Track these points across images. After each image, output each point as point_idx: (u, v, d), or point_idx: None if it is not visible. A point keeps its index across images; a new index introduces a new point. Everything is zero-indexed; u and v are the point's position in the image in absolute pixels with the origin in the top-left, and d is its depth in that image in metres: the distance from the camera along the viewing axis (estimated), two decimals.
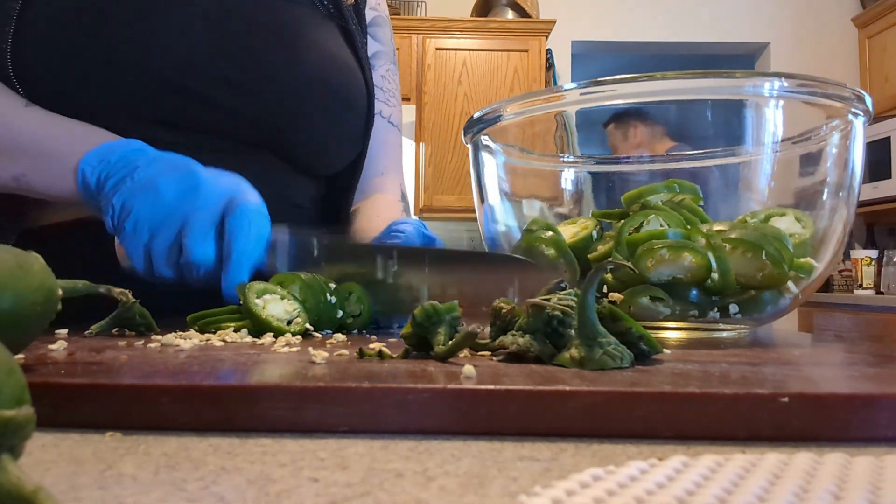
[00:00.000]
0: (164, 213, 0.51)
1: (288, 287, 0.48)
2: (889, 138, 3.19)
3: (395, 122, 0.92)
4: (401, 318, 0.54)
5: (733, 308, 0.45)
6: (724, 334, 0.48)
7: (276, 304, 0.46)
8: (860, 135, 0.48)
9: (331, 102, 0.75)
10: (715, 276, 0.44)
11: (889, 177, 3.19)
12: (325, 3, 0.80)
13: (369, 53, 0.88)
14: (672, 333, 0.47)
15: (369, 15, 0.89)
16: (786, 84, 0.44)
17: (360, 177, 0.84)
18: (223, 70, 0.67)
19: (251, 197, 0.53)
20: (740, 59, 4.06)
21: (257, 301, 0.46)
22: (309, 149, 0.75)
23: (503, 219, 0.55)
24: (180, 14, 0.66)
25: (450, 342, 0.33)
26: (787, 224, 0.46)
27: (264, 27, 0.71)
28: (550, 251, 0.49)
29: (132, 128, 0.64)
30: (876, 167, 3.25)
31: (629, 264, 0.35)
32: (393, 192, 0.89)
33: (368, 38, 0.88)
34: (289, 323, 0.46)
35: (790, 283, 0.46)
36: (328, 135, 0.76)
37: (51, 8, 0.62)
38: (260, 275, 0.52)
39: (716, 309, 0.46)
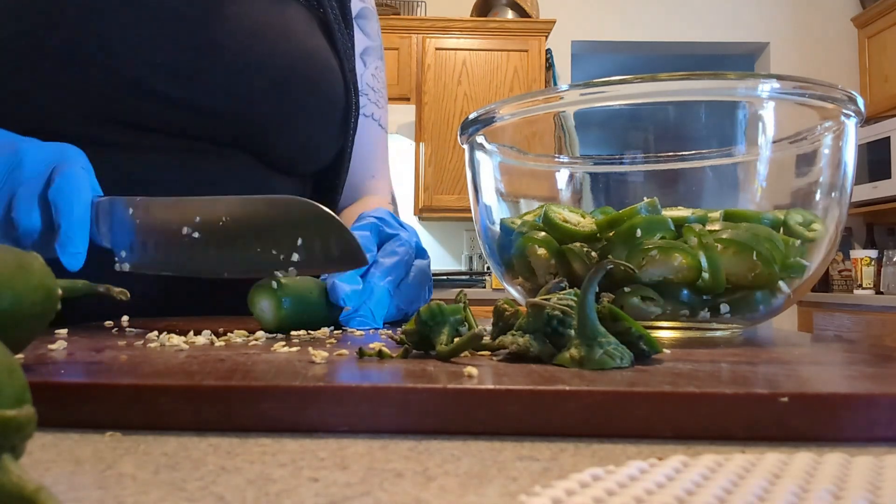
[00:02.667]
0: None
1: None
2: (889, 138, 3.19)
3: (384, 124, 0.91)
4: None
5: (724, 308, 0.46)
6: (718, 334, 0.48)
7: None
8: (853, 136, 0.48)
9: (304, 97, 0.72)
10: (706, 275, 0.44)
11: (889, 177, 3.19)
12: None
13: (359, 49, 0.85)
14: (665, 333, 0.47)
15: (356, 7, 0.87)
16: (778, 86, 0.44)
17: (349, 177, 0.83)
18: (181, 64, 0.64)
19: (74, 166, 0.51)
20: (740, 59, 4.06)
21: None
22: (284, 146, 0.72)
23: (499, 219, 0.55)
24: (139, 8, 0.64)
25: (453, 342, 0.33)
26: (802, 216, 0.47)
27: (232, 19, 0.68)
28: (542, 251, 0.49)
29: (97, 131, 0.62)
30: (876, 167, 3.25)
31: (630, 265, 0.35)
32: (384, 193, 0.88)
33: (357, 31, 0.86)
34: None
35: (782, 283, 0.46)
36: (303, 130, 0.73)
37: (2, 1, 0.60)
38: (92, 244, 0.50)
39: (706, 309, 0.46)
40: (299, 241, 0.47)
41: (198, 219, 0.49)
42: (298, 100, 0.72)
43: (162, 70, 0.63)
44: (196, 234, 0.49)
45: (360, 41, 0.87)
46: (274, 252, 0.47)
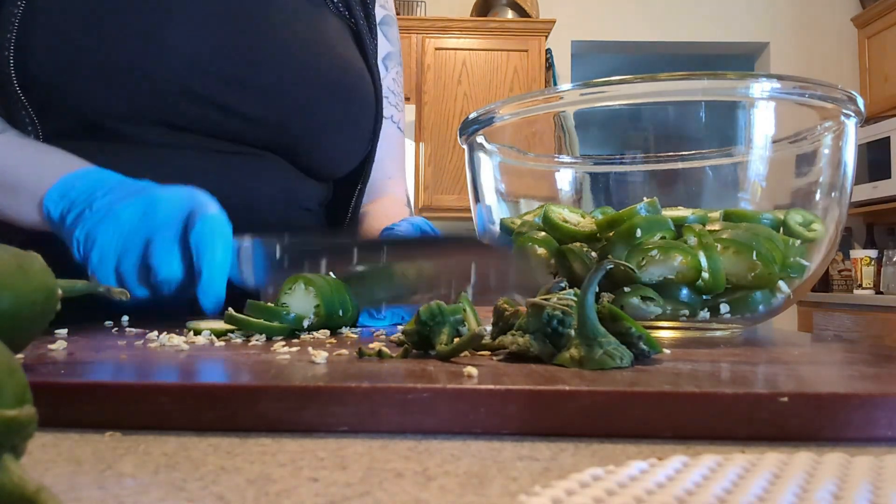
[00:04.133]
0: (127, 237, 0.51)
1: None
2: (889, 138, 3.19)
3: (402, 126, 0.92)
4: (382, 306, 0.54)
5: (724, 308, 0.46)
6: (717, 333, 0.48)
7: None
8: (852, 135, 0.48)
9: (341, 106, 0.75)
10: (706, 275, 0.44)
11: (889, 177, 3.19)
12: (337, 3, 0.80)
13: (381, 55, 0.87)
14: (665, 333, 0.47)
15: (379, 14, 0.89)
16: (779, 85, 0.44)
17: (369, 179, 0.84)
18: (232, 72, 0.66)
19: (210, 208, 0.52)
20: (740, 59, 4.06)
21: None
22: (318, 152, 0.74)
23: (499, 219, 0.55)
24: (187, 14, 0.66)
25: (453, 342, 0.33)
26: (802, 216, 0.47)
27: (276, 28, 0.70)
28: (542, 251, 0.49)
29: (138, 131, 0.64)
30: (876, 167, 3.25)
31: (630, 266, 0.35)
32: (400, 194, 0.89)
33: (380, 37, 0.88)
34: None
35: (781, 283, 0.46)
36: (337, 138, 0.76)
37: (53, 13, 0.61)
38: (231, 285, 0.51)
39: (706, 309, 0.46)
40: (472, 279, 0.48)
41: (351, 266, 0.51)
42: (336, 110, 0.74)
43: (213, 77, 0.65)
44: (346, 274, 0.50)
45: (382, 47, 0.89)
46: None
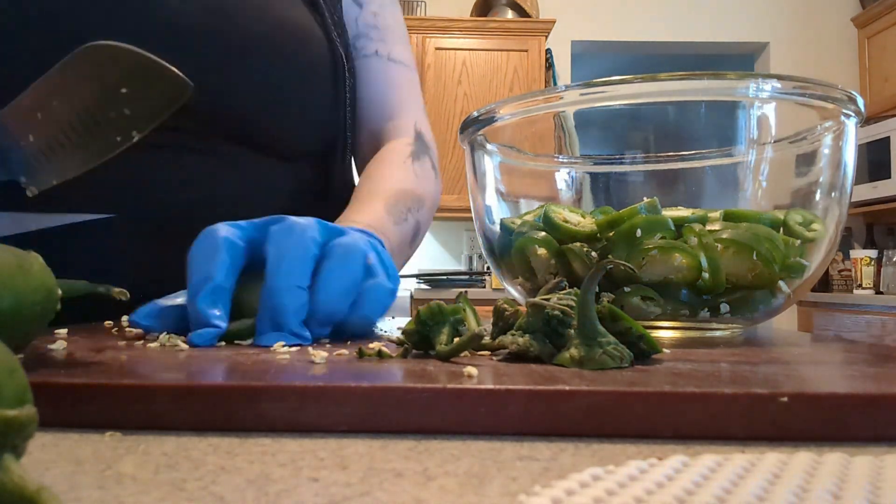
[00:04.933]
0: None
1: None
2: (889, 138, 3.19)
3: (398, 57, 0.82)
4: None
5: (724, 307, 0.46)
6: (718, 333, 0.48)
7: None
8: (852, 135, 0.48)
9: (282, 73, 0.68)
10: (706, 275, 0.44)
11: (889, 177, 3.19)
12: None
13: None
14: (665, 333, 0.47)
15: None
16: (779, 85, 0.44)
17: (367, 126, 0.78)
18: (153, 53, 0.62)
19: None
20: (740, 59, 4.06)
21: None
22: (265, 127, 0.68)
23: (499, 219, 0.55)
24: (101, 10, 0.60)
25: (453, 342, 0.33)
26: (802, 216, 0.47)
27: (191, 6, 0.64)
28: (542, 251, 0.49)
29: None
30: (875, 167, 3.25)
31: (630, 265, 0.35)
32: (405, 133, 0.79)
33: None
34: None
35: (782, 283, 0.46)
36: (284, 109, 0.69)
37: None
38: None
39: (706, 308, 0.46)
40: (123, 90, 0.42)
41: (39, 115, 0.44)
42: (277, 78, 0.67)
43: None
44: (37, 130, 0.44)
45: None
46: (110, 115, 0.43)
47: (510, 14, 3.45)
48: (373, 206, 0.65)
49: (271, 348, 0.37)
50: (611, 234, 0.47)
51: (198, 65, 0.62)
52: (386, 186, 0.70)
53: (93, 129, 0.44)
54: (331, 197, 0.77)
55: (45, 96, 0.44)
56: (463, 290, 0.43)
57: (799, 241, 0.46)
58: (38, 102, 0.44)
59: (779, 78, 0.44)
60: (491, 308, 0.38)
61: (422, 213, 0.72)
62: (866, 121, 3.21)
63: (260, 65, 0.66)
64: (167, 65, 0.42)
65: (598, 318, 0.32)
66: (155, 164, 0.64)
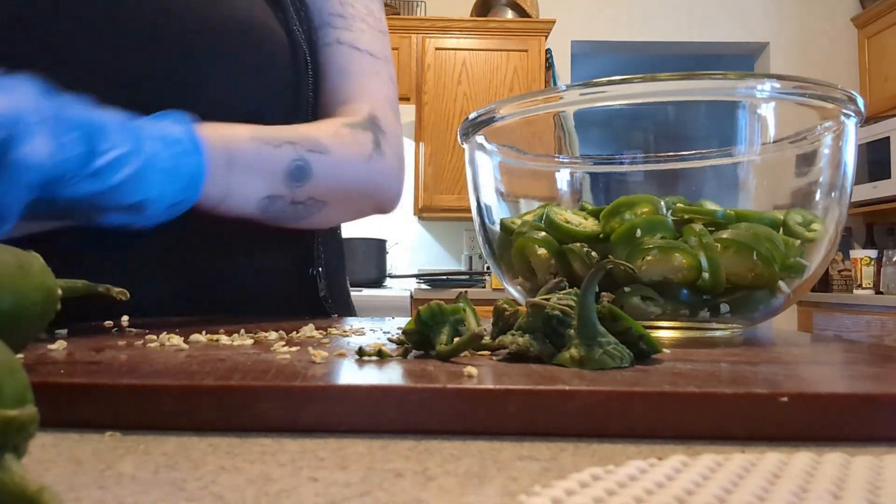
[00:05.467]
0: None
1: None
2: (889, 138, 3.19)
3: (364, 46, 0.78)
4: None
5: (724, 307, 0.46)
6: (718, 333, 0.48)
7: None
8: (852, 135, 0.48)
9: (235, 73, 0.66)
10: (706, 275, 0.44)
11: (889, 177, 3.19)
12: None
13: None
14: (665, 333, 0.47)
15: None
16: (779, 85, 0.44)
17: (320, 111, 0.75)
18: (92, 60, 0.60)
19: None
20: (740, 59, 4.06)
21: None
22: (218, 118, 0.63)
23: (499, 219, 0.55)
24: (49, 7, 0.59)
25: (453, 342, 0.33)
26: (802, 216, 0.47)
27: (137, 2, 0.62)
28: (542, 251, 0.49)
29: None
30: (875, 167, 3.25)
31: (630, 266, 0.35)
32: (355, 114, 0.74)
33: None
34: None
35: (782, 283, 0.46)
36: (238, 109, 0.65)
37: None
38: None
39: (706, 309, 0.46)
40: None
41: None
42: (225, 75, 0.65)
43: (73, 69, 0.59)
44: None
45: None
46: None
47: (510, 14, 3.45)
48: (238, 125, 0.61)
49: (271, 348, 0.37)
50: (613, 224, 0.47)
51: (147, 64, 0.61)
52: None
53: None
54: None
55: None
56: (463, 290, 0.44)
57: (799, 241, 0.46)
58: None
59: (779, 78, 0.44)
60: (491, 308, 0.38)
61: (315, 157, 0.64)
62: (866, 121, 3.22)
63: (211, 64, 0.64)
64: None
65: (598, 318, 0.32)
66: None
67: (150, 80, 0.62)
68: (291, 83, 0.71)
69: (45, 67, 0.56)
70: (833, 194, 0.48)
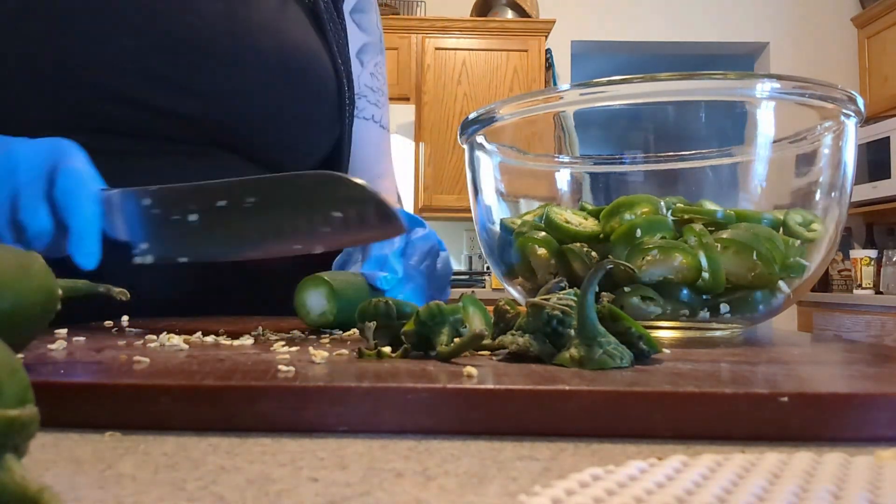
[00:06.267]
0: None
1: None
2: (888, 138, 3.19)
3: (385, 124, 0.88)
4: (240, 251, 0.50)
5: (724, 307, 0.46)
6: (717, 333, 0.48)
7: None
8: (852, 135, 0.48)
9: (290, 94, 0.70)
10: (706, 275, 0.44)
11: (888, 177, 3.19)
12: None
13: (356, 47, 0.83)
14: (665, 333, 0.47)
15: (349, 1, 0.84)
16: (779, 85, 0.44)
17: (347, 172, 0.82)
18: (156, 69, 0.63)
19: (75, 160, 0.49)
20: (740, 58, 4.06)
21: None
22: (268, 144, 0.70)
23: (499, 219, 0.55)
24: (109, 12, 0.62)
25: (453, 342, 0.33)
26: (802, 216, 0.47)
27: (206, 20, 0.66)
28: (542, 251, 0.49)
29: (82, 140, 0.59)
30: (875, 167, 3.25)
31: (630, 265, 0.35)
32: (390, 193, 0.87)
33: (353, 26, 0.83)
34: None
35: (781, 283, 0.46)
36: (290, 130, 0.71)
37: None
38: (107, 240, 0.49)
39: (706, 309, 0.46)
40: (335, 214, 0.45)
41: (221, 202, 0.47)
42: (283, 97, 0.70)
43: (138, 76, 0.62)
44: (218, 215, 0.47)
45: (356, 38, 0.84)
46: (304, 223, 0.45)
47: (510, 14, 3.45)
48: None
49: (271, 349, 0.37)
50: (612, 224, 0.47)
51: (201, 81, 0.65)
52: None
53: (276, 234, 0.46)
54: None
55: (238, 191, 0.47)
56: (469, 290, 0.44)
57: (799, 241, 0.46)
58: (230, 193, 0.47)
59: (779, 78, 0.44)
60: (491, 308, 0.38)
61: None
62: (866, 121, 3.21)
63: (268, 85, 0.68)
64: (392, 206, 0.45)
65: (598, 318, 0.32)
66: (148, 170, 0.64)
67: (206, 95, 0.66)
68: (336, 106, 0.77)
69: (106, 103, 0.61)
70: (833, 194, 0.48)
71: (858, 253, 3.43)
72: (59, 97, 0.61)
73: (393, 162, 0.92)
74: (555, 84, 3.38)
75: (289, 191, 0.46)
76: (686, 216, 0.46)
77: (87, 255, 0.47)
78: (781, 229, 0.47)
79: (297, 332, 0.47)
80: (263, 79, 0.68)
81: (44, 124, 0.60)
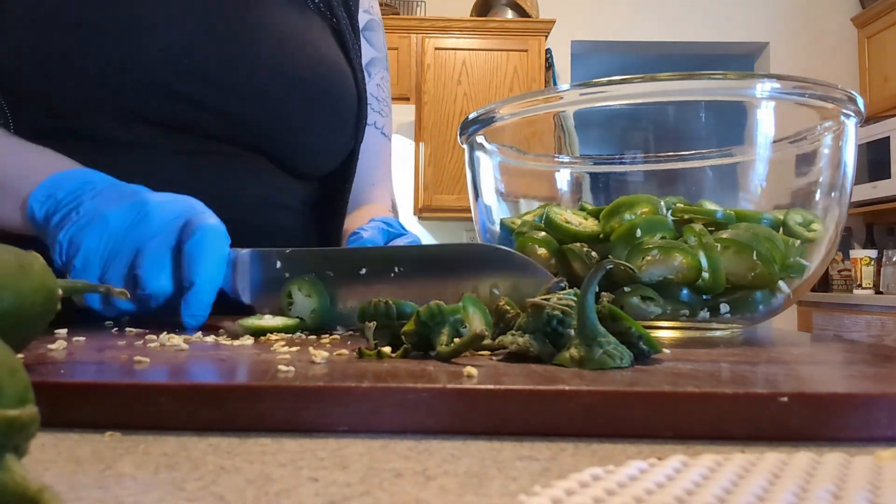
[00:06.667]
0: (115, 244, 0.48)
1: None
2: (888, 138, 3.19)
3: (387, 132, 0.92)
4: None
5: (724, 307, 0.46)
6: (717, 333, 0.48)
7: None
8: (852, 135, 0.48)
9: (319, 105, 0.74)
10: (706, 275, 0.44)
11: (888, 177, 3.19)
12: (318, 2, 0.80)
13: (365, 60, 0.87)
14: (665, 333, 0.47)
15: (363, 18, 0.89)
16: (779, 85, 0.44)
17: (353, 184, 0.84)
18: (205, 67, 0.66)
19: (209, 219, 0.50)
20: (740, 58, 4.06)
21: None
22: (296, 151, 0.74)
23: (499, 219, 0.55)
24: (162, 11, 0.65)
25: (453, 342, 0.33)
26: (802, 216, 0.47)
27: (251, 25, 0.70)
28: (542, 251, 0.49)
29: (110, 127, 0.63)
30: (875, 167, 3.25)
31: (630, 265, 0.35)
32: (384, 201, 0.89)
33: (363, 42, 0.88)
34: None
35: (781, 283, 0.46)
36: (316, 137, 0.75)
37: (26, 10, 0.61)
38: (222, 296, 0.50)
39: (706, 309, 0.46)
40: (494, 289, 0.45)
41: (363, 270, 0.48)
42: (316, 107, 0.73)
43: (185, 72, 0.65)
44: (355, 281, 0.48)
45: (366, 52, 0.88)
46: (452, 293, 0.45)
47: (510, 14, 3.45)
48: None
49: (271, 349, 0.37)
50: (612, 224, 0.47)
51: (252, 85, 0.68)
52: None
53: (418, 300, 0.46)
54: (334, 222, 0.83)
55: (380, 260, 0.48)
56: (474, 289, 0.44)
57: (799, 241, 0.46)
58: (371, 261, 0.48)
59: (779, 78, 0.44)
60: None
61: None
62: (866, 121, 3.21)
63: (304, 95, 0.72)
64: (539, 266, 0.44)
65: (598, 318, 0.32)
66: (178, 164, 0.67)
67: (235, 106, 0.69)
68: (355, 116, 0.80)
69: (156, 97, 0.64)
70: (833, 194, 0.48)
71: (858, 253, 3.43)
72: (121, 91, 0.63)
73: (391, 171, 0.94)
74: (555, 84, 3.38)
75: (445, 261, 0.46)
76: (686, 216, 0.46)
77: (196, 317, 0.48)
78: (781, 229, 0.47)
79: (297, 333, 0.47)
80: (301, 89, 0.72)
81: (104, 114, 0.63)
